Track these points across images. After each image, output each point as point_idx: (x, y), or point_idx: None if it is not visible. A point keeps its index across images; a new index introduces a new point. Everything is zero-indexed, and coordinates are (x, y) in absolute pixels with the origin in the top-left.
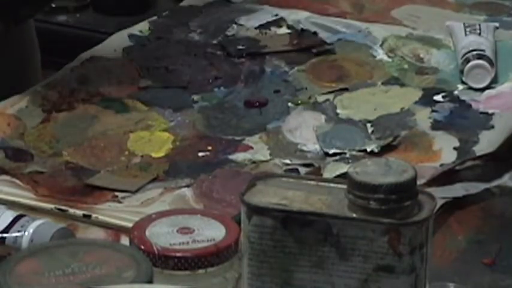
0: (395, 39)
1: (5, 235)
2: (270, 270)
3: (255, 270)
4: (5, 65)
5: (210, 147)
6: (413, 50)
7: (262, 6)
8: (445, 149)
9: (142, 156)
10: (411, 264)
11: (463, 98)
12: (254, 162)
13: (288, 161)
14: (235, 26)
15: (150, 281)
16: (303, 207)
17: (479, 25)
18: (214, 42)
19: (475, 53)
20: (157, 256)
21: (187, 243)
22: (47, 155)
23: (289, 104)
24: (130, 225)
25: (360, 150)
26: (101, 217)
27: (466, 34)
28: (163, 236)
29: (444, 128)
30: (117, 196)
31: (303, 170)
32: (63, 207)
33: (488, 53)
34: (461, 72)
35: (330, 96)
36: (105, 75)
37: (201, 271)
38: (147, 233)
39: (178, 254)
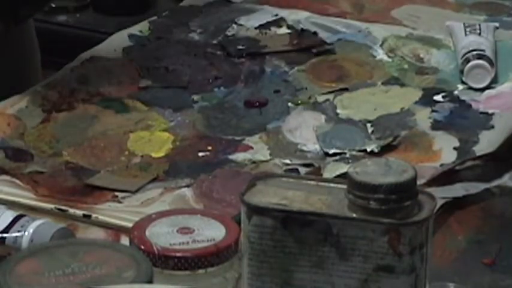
0: (395, 39)
1: (5, 235)
2: (270, 270)
3: (255, 270)
4: (5, 65)
5: (210, 147)
6: (413, 50)
7: (262, 6)
8: (445, 149)
9: (142, 156)
10: (411, 264)
11: (463, 98)
12: (254, 162)
13: (288, 161)
14: (235, 26)
15: (150, 281)
16: (303, 207)
17: (479, 25)
18: (214, 42)
19: (475, 53)
20: (157, 256)
21: (187, 243)
22: (47, 155)
23: (289, 104)
24: (130, 225)
25: (360, 150)
26: (101, 217)
27: (466, 34)
28: (163, 236)
29: (444, 128)
30: (117, 196)
31: (303, 170)
32: (63, 207)
33: (488, 53)
34: (461, 72)
35: (330, 96)
36: (105, 75)
37: (201, 271)
38: (147, 233)
39: (178, 254)
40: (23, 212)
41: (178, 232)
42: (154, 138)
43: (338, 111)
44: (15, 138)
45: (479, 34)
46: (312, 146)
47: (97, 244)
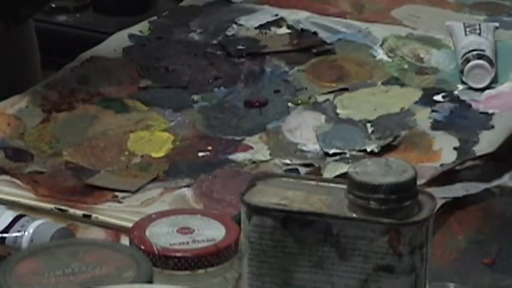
0: (395, 39)
1: (5, 235)
2: (270, 270)
3: (255, 270)
4: (5, 65)
5: (210, 147)
6: (413, 50)
7: (262, 6)
8: (445, 149)
9: (142, 156)
10: (411, 264)
11: (463, 98)
12: (254, 162)
13: (288, 161)
14: (235, 26)
15: (150, 281)
16: (303, 207)
17: (479, 25)
18: (214, 42)
19: (475, 53)
20: (157, 256)
21: (187, 243)
22: (47, 155)
23: (289, 104)
24: (130, 225)
25: (360, 150)
26: (101, 217)
27: (466, 34)
28: (163, 236)
29: (444, 128)
30: (117, 196)
31: (303, 170)
32: (63, 207)
33: (488, 53)
34: (461, 72)
35: (330, 96)
36: (105, 75)
37: (201, 271)
38: (147, 233)
39: (178, 254)
40: (23, 212)
41: (178, 232)
42: (154, 138)
43: (338, 111)
44: (15, 138)
45: (479, 34)
46: (312, 146)
47: (97, 244)
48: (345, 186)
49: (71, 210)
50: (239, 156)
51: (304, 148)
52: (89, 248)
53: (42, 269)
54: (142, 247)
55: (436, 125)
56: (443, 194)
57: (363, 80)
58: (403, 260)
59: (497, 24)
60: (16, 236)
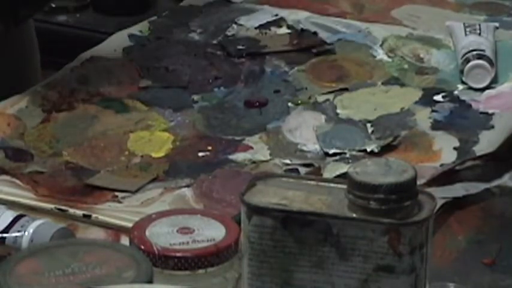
0: (395, 39)
1: (5, 235)
2: (270, 270)
3: (255, 270)
4: (5, 65)
5: (210, 147)
6: (413, 50)
7: (262, 6)
8: (445, 149)
9: (142, 156)
10: (411, 264)
11: (463, 98)
12: (254, 162)
13: (288, 161)
14: (235, 26)
15: (150, 281)
16: (303, 207)
17: (479, 25)
18: (214, 42)
19: (475, 53)
20: (157, 256)
21: (187, 243)
22: (47, 155)
23: (289, 104)
24: (130, 225)
25: (360, 150)
26: (101, 217)
27: (466, 34)
28: (163, 236)
29: (444, 128)
30: (117, 196)
31: (303, 170)
32: (63, 207)
33: (488, 53)
34: (461, 72)
35: (330, 96)
36: (105, 75)
37: (201, 271)
38: (147, 233)
39: (178, 254)
40: (23, 212)
41: (178, 232)
42: (154, 138)
43: (338, 111)
44: (15, 138)
45: (479, 34)
46: (312, 146)
47: (97, 244)
48: (345, 186)
49: (71, 210)
50: (239, 156)
51: (304, 148)
52: (89, 248)
53: (42, 269)
54: (142, 247)
55: (436, 125)
56: (443, 194)
57: (363, 80)
58: (403, 260)
59: (497, 24)
60: (16, 236)
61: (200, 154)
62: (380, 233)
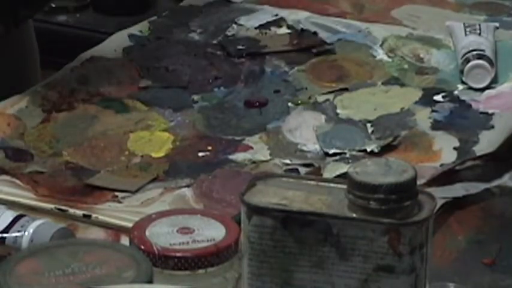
0: (395, 39)
1: (5, 235)
2: (270, 270)
3: (255, 270)
4: (5, 65)
5: (210, 147)
6: (413, 50)
7: (262, 6)
8: (445, 149)
9: (142, 156)
10: (411, 264)
11: (463, 98)
12: (254, 162)
13: (288, 161)
14: (235, 26)
15: (150, 281)
16: (303, 207)
17: (479, 25)
18: (214, 42)
19: (475, 53)
20: (157, 256)
21: (187, 243)
22: (47, 155)
23: (289, 104)
24: (130, 225)
25: (360, 150)
26: (101, 217)
27: (466, 34)
28: (163, 236)
29: (444, 128)
30: (117, 196)
31: (303, 170)
32: (63, 207)
33: (488, 53)
34: (461, 72)
35: (330, 96)
36: (105, 75)
37: (201, 271)
38: (147, 233)
39: (178, 254)
40: (23, 212)
41: (178, 232)
42: (154, 138)
43: (338, 111)
44: (15, 138)
45: (479, 34)
46: (312, 146)
47: (97, 244)
48: (345, 186)
49: (71, 210)
50: (239, 156)
51: (304, 148)
52: (89, 248)
53: (42, 269)
54: (142, 247)
55: (436, 125)
56: (443, 194)
57: (363, 80)
58: (403, 260)
59: (497, 24)
60: (16, 236)
61: (200, 154)
62: (380, 233)
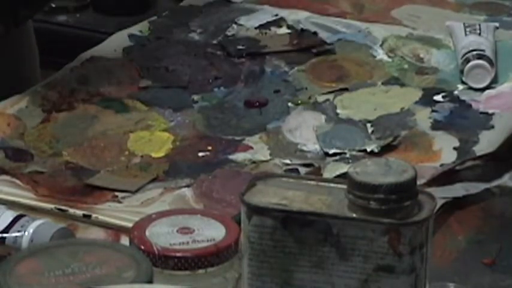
0: (395, 39)
1: (5, 235)
2: (270, 270)
3: (255, 270)
4: (5, 65)
5: (210, 147)
6: (413, 50)
7: (262, 6)
8: (445, 149)
9: (142, 156)
10: (411, 264)
11: (463, 98)
12: (254, 162)
13: (288, 161)
14: (235, 26)
15: (150, 281)
16: (303, 207)
17: (479, 25)
18: (214, 42)
19: (475, 53)
20: (157, 256)
21: (187, 243)
22: (47, 155)
23: (289, 104)
24: (130, 225)
25: (360, 150)
26: (101, 217)
27: (466, 34)
28: (163, 236)
29: (444, 128)
30: (117, 196)
31: (303, 170)
32: (63, 207)
33: (488, 53)
34: (461, 72)
35: (330, 96)
36: (105, 75)
37: (201, 271)
38: (147, 233)
39: (178, 254)
40: (23, 212)
41: (178, 232)
42: (154, 138)
43: (338, 111)
44: (15, 138)
45: (479, 34)
46: (312, 146)
47: (97, 244)
48: (345, 186)
49: (71, 210)
50: (239, 156)
51: (304, 148)
52: (89, 248)
53: (42, 269)
54: (142, 247)
55: (436, 125)
56: (443, 194)
57: (363, 80)
58: (403, 260)
59: (497, 24)
60: (16, 236)
61: (200, 154)
62: (380, 233)
